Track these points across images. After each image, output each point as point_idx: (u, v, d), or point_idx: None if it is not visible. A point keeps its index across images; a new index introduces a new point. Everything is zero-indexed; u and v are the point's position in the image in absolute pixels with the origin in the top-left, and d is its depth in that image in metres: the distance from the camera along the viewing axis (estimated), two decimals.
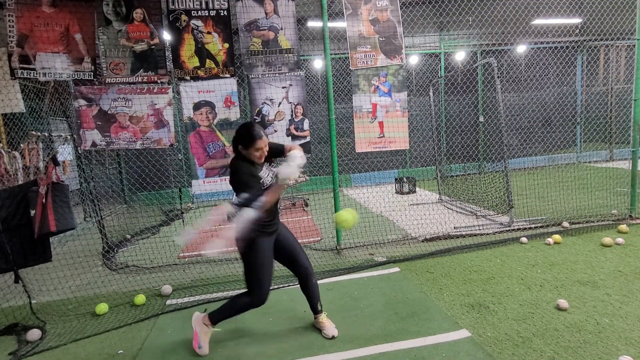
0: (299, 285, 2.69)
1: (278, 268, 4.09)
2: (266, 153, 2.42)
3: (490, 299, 3.11)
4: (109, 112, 4.08)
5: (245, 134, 2.35)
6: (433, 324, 2.80)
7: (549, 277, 3.45)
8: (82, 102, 4.03)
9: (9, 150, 3.32)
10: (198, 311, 2.73)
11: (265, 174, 2.45)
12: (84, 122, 4.06)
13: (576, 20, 9.64)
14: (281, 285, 3.64)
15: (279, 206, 2.57)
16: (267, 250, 2.51)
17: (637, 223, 4.83)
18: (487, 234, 4.84)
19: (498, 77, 5.23)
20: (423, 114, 9.91)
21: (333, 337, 2.70)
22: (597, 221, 4.97)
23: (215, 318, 2.61)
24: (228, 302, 2.62)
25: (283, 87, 4.34)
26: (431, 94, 7.34)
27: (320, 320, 2.80)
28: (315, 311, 2.81)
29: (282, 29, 4.25)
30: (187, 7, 4.05)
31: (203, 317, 2.63)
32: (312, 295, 2.76)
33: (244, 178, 2.32)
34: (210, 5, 4.10)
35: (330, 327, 2.76)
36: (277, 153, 2.56)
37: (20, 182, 3.23)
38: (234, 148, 2.42)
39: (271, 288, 3.53)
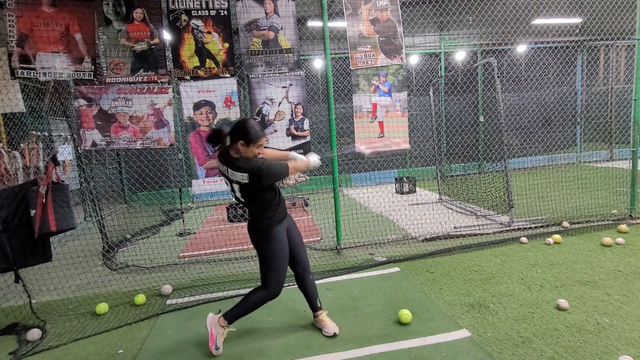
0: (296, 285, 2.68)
1: None
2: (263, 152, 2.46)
3: (491, 299, 3.11)
4: (109, 112, 4.08)
5: (252, 131, 2.31)
6: (433, 323, 2.80)
7: (549, 277, 3.45)
8: (82, 102, 4.03)
9: (9, 150, 3.32)
10: (212, 312, 2.71)
11: None
12: (84, 122, 4.06)
13: (576, 20, 9.64)
14: None
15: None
16: (282, 240, 2.53)
17: (637, 223, 4.83)
18: (487, 233, 4.84)
19: (498, 77, 5.23)
20: (423, 113, 9.91)
21: (335, 335, 2.71)
22: (597, 221, 4.97)
23: (230, 317, 2.60)
24: (243, 299, 2.62)
25: (283, 87, 4.34)
26: (431, 93, 7.34)
27: (321, 319, 2.80)
28: (315, 308, 2.81)
29: (282, 28, 4.25)
30: (187, 6, 4.05)
31: (218, 318, 2.62)
32: (310, 292, 2.77)
33: (275, 169, 2.36)
34: (210, 5, 4.09)
35: (331, 325, 2.77)
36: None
37: (20, 182, 3.23)
38: (231, 141, 2.37)
39: None
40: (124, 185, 8.28)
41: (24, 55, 3.73)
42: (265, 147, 2.49)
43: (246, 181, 2.30)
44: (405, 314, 2.82)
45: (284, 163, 2.46)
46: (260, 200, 2.45)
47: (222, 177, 2.52)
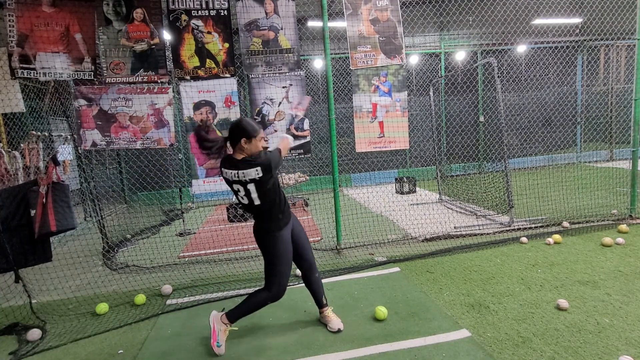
0: (301, 284, 2.72)
1: None
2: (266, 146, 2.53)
3: (491, 299, 3.11)
4: (109, 112, 4.08)
5: (250, 126, 2.39)
6: (433, 323, 2.80)
7: (549, 277, 3.45)
8: (82, 102, 4.03)
9: (9, 150, 3.32)
10: (215, 310, 2.74)
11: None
12: (84, 122, 4.06)
13: (576, 20, 9.64)
14: None
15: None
16: (288, 242, 2.57)
17: (637, 223, 4.83)
18: (487, 233, 4.84)
19: (498, 76, 5.23)
20: (423, 113, 9.91)
21: (339, 330, 2.76)
22: (597, 221, 4.97)
23: (233, 316, 2.63)
24: (246, 299, 2.64)
25: (283, 87, 4.34)
26: (431, 93, 7.34)
27: (326, 314, 2.86)
28: (320, 305, 2.88)
29: (282, 28, 4.25)
30: (187, 6, 4.05)
31: (221, 315, 2.65)
32: (316, 289, 2.84)
33: (274, 154, 2.45)
34: (211, 5, 4.09)
35: (335, 320, 2.82)
36: None
37: (20, 182, 3.23)
38: (232, 145, 2.43)
39: None
40: (124, 185, 8.28)
41: (24, 55, 3.73)
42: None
43: (260, 174, 2.34)
44: (380, 310, 2.91)
45: (274, 150, 2.51)
46: (274, 195, 2.49)
47: (222, 177, 2.51)
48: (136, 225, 6.32)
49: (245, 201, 2.46)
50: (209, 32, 4.12)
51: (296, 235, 2.69)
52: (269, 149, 2.53)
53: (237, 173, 2.36)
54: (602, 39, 10.20)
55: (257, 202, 2.44)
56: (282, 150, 2.56)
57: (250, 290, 3.57)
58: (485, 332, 2.63)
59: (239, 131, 2.37)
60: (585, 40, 10.30)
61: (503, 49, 9.91)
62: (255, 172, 2.33)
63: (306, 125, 4.45)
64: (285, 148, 2.62)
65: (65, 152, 6.11)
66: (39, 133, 3.41)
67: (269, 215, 2.51)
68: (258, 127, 2.43)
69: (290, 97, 4.37)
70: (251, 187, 2.38)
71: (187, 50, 4.10)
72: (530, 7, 7.50)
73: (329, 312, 2.87)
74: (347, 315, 3.01)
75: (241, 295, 3.51)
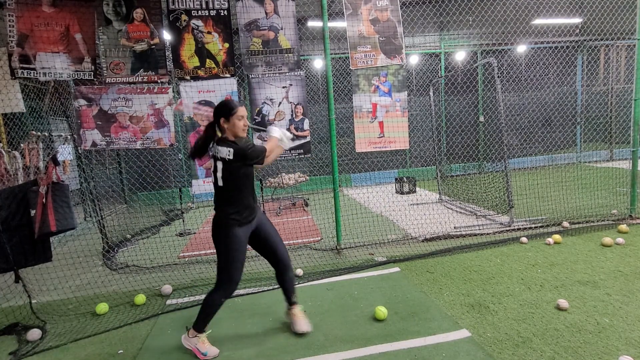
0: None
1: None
2: (247, 125, 2.52)
3: (491, 299, 3.11)
4: (109, 112, 4.08)
5: (226, 105, 2.45)
6: (433, 323, 2.80)
7: (549, 277, 3.45)
8: (82, 102, 4.03)
9: (9, 150, 3.32)
10: (182, 335, 2.70)
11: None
12: (84, 122, 4.06)
13: (576, 20, 9.65)
14: None
15: (257, 197, 2.66)
16: (241, 241, 2.50)
17: (637, 223, 4.83)
18: (487, 233, 4.84)
19: (498, 77, 5.23)
20: (423, 113, 9.91)
21: (303, 334, 2.73)
22: (597, 221, 4.97)
23: (198, 326, 2.59)
24: (202, 304, 2.59)
25: (283, 87, 4.34)
26: (431, 93, 7.34)
27: (294, 313, 2.83)
28: (290, 302, 2.86)
29: (282, 28, 4.25)
30: (187, 6, 4.05)
31: (188, 332, 2.63)
32: (289, 287, 2.83)
33: (256, 148, 2.45)
34: (211, 5, 4.10)
35: (302, 322, 2.79)
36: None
37: (20, 182, 3.23)
38: (217, 125, 2.49)
39: (271, 288, 3.56)
40: (124, 185, 8.28)
41: (24, 55, 3.73)
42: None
43: (230, 157, 2.39)
44: (380, 310, 2.91)
45: (262, 146, 2.54)
46: (240, 185, 2.48)
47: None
48: (136, 225, 6.32)
49: (212, 178, 2.51)
50: (209, 32, 4.12)
51: (265, 234, 2.67)
52: (255, 144, 2.55)
53: (215, 147, 2.46)
54: (602, 39, 10.20)
55: (220, 182, 2.46)
56: (269, 152, 2.52)
57: (250, 290, 3.58)
58: (485, 332, 2.63)
59: (217, 112, 2.47)
60: (585, 40, 10.30)
61: (503, 49, 9.91)
62: (227, 152, 2.39)
63: (306, 125, 4.45)
64: (272, 149, 2.57)
65: (65, 152, 6.12)
66: (39, 133, 3.41)
67: (230, 203, 2.48)
68: (236, 104, 2.46)
69: (290, 97, 4.37)
70: (219, 164, 2.43)
71: (187, 50, 4.10)
72: (530, 7, 7.50)
73: (297, 310, 2.83)
74: (347, 315, 3.01)
75: (240, 295, 3.51)
